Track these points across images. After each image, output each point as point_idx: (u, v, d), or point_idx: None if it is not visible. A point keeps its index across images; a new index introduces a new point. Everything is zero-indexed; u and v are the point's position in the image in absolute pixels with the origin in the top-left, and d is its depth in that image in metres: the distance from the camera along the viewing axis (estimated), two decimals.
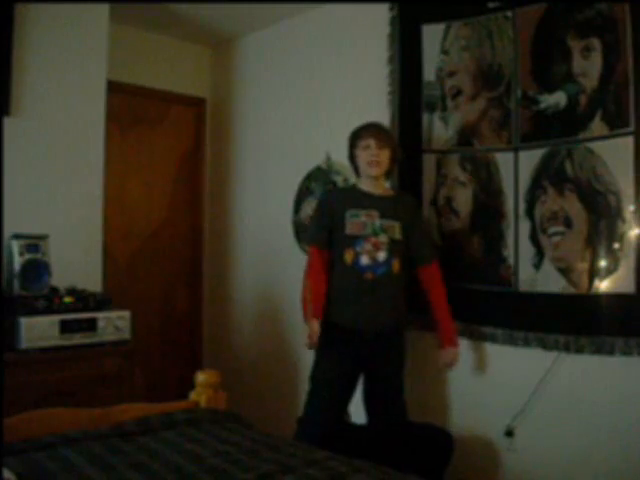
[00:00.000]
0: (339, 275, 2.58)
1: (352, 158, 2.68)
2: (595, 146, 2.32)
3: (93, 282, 3.00)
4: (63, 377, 2.54)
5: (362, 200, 2.59)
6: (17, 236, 2.66)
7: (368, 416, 2.69)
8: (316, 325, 2.51)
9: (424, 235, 2.71)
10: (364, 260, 2.52)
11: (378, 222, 2.56)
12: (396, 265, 2.57)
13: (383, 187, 2.68)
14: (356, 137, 2.63)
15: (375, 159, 2.56)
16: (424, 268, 2.66)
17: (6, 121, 2.70)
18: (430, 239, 2.77)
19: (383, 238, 2.54)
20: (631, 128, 2.22)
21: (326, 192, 3.01)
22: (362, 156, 2.59)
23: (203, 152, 4.16)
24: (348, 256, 2.54)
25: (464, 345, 2.70)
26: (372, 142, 2.56)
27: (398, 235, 2.58)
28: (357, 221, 2.56)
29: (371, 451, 2.32)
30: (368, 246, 2.53)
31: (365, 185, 2.64)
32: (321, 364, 2.62)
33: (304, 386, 3.42)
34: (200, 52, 4.14)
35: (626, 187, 2.23)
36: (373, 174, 2.59)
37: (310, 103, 3.49)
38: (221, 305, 4.01)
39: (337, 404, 2.63)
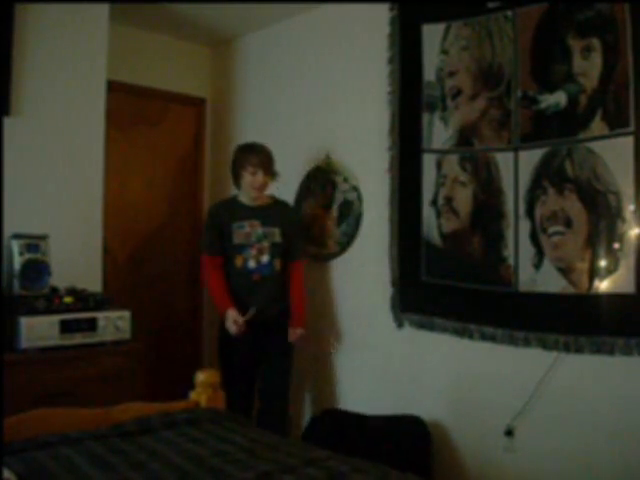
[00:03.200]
0: (232, 277, 3.01)
1: (235, 172, 3.03)
2: (595, 146, 2.32)
3: (93, 282, 3.00)
4: (63, 377, 2.54)
5: (245, 212, 3.02)
6: (17, 236, 2.66)
7: (257, 395, 3.09)
8: (233, 312, 2.89)
9: (297, 238, 3.16)
10: (251, 264, 2.98)
11: (260, 230, 3.00)
12: (277, 264, 3.03)
13: (263, 198, 3.07)
14: (244, 160, 2.97)
15: (261, 185, 2.98)
16: (292, 263, 3.12)
17: (6, 121, 2.70)
18: (302, 242, 3.22)
19: (265, 243, 3.00)
20: (631, 128, 2.22)
21: (214, 206, 3.21)
22: (248, 179, 2.97)
23: (203, 152, 4.16)
24: (238, 261, 2.99)
25: (464, 345, 2.70)
26: (260, 172, 2.95)
27: (278, 239, 3.03)
28: (242, 231, 2.99)
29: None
30: (254, 252, 2.98)
31: (246, 198, 3.05)
32: (226, 354, 3.07)
33: (302, 384, 3.43)
34: (200, 52, 4.14)
35: (626, 187, 2.23)
36: (255, 196, 3.02)
37: (310, 103, 3.49)
38: None
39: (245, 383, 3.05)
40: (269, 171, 3.00)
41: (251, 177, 2.95)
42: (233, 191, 3.98)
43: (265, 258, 2.99)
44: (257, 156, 2.97)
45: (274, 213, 3.06)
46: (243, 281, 2.99)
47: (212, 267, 3.02)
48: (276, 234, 3.03)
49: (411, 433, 2.70)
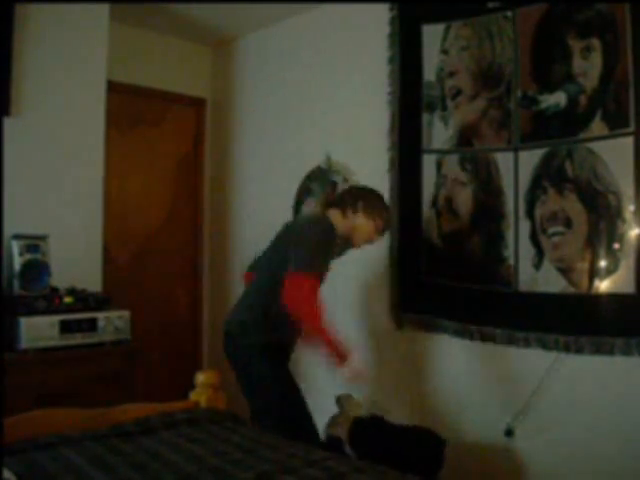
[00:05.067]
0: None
1: (355, 209, 2.52)
2: (595, 146, 2.32)
3: (93, 282, 3.00)
4: (63, 377, 2.54)
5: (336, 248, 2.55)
6: (17, 236, 2.66)
7: None
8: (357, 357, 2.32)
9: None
10: None
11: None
12: None
13: None
14: (380, 211, 2.54)
15: (372, 243, 2.58)
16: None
17: (6, 121, 2.70)
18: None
19: None
20: (631, 128, 2.22)
21: (332, 226, 2.52)
22: (370, 232, 2.53)
23: (203, 152, 4.16)
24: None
25: (464, 345, 2.71)
26: (381, 233, 2.57)
27: None
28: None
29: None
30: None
31: (340, 234, 2.51)
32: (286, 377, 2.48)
33: (303, 386, 3.42)
34: (200, 52, 4.14)
35: (626, 187, 2.23)
36: (355, 246, 2.60)
37: (310, 103, 3.49)
38: (221, 305, 4.01)
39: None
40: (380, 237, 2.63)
41: (374, 234, 2.55)
42: (233, 191, 4.00)
43: None
44: (388, 217, 2.61)
45: None
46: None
47: (315, 294, 2.31)
48: None
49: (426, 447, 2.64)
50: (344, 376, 2.32)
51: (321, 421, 2.60)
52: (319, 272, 2.35)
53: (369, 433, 2.60)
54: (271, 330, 2.43)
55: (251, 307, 2.48)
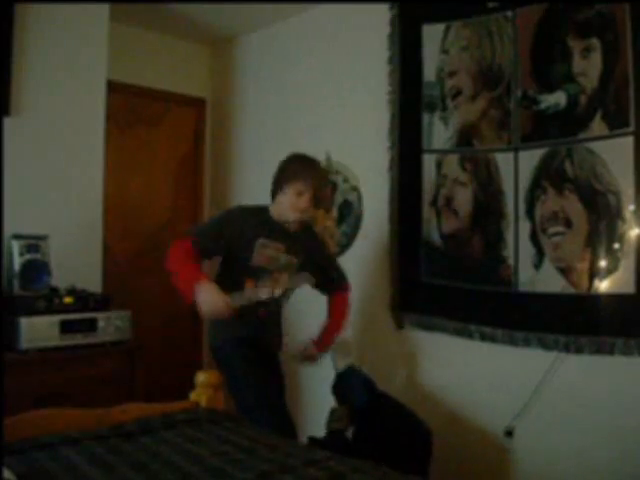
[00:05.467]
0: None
1: (277, 183, 2.52)
2: (595, 146, 2.32)
3: (93, 282, 3.00)
4: (63, 377, 2.55)
5: (273, 231, 2.48)
6: (17, 236, 2.67)
7: None
8: (211, 284, 2.30)
9: (332, 261, 2.75)
10: (262, 294, 2.43)
11: (283, 257, 2.48)
12: (284, 304, 2.60)
13: (297, 224, 2.52)
14: (293, 174, 2.46)
15: (303, 210, 2.45)
16: (334, 294, 2.68)
17: (6, 121, 2.70)
18: (337, 265, 2.74)
19: (284, 276, 2.48)
20: (631, 128, 2.22)
21: (241, 209, 2.63)
22: (290, 199, 2.45)
23: (203, 152, 4.16)
24: (248, 286, 2.42)
25: (464, 345, 2.71)
26: (307, 195, 2.43)
27: (294, 272, 2.53)
28: (265, 252, 2.44)
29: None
30: (269, 281, 2.44)
31: (276, 215, 2.51)
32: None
33: (303, 385, 3.43)
34: (200, 51, 4.14)
35: (626, 187, 2.23)
36: (292, 220, 2.48)
37: (310, 103, 3.49)
38: None
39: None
40: (318, 200, 2.49)
41: (295, 198, 2.44)
42: (233, 191, 4.00)
43: (277, 292, 2.47)
44: (312, 177, 2.44)
45: (299, 240, 2.55)
46: (244, 312, 2.40)
47: (186, 254, 2.39)
48: (294, 266, 2.53)
49: (413, 435, 2.67)
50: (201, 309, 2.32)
51: (314, 417, 2.60)
52: (195, 237, 2.45)
53: (367, 416, 2.62)
54: (231, 326, 2.43)
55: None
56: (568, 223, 2.39)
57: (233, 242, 2.44)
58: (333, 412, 2.70)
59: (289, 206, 2.46)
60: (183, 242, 2.44)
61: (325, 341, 2.64)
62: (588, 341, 2.31)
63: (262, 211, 2.55)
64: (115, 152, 3.52)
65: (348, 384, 2.70)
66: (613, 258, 2.27)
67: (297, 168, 2.48)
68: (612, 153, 2.28)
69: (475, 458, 2.69)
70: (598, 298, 2.33)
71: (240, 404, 2.43)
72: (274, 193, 2.54)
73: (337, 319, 2.67)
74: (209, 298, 2.27)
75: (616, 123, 2.26)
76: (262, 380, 2.46)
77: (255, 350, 2.48)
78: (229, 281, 2.42)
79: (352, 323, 3.21)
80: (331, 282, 2.67)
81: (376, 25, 3.04)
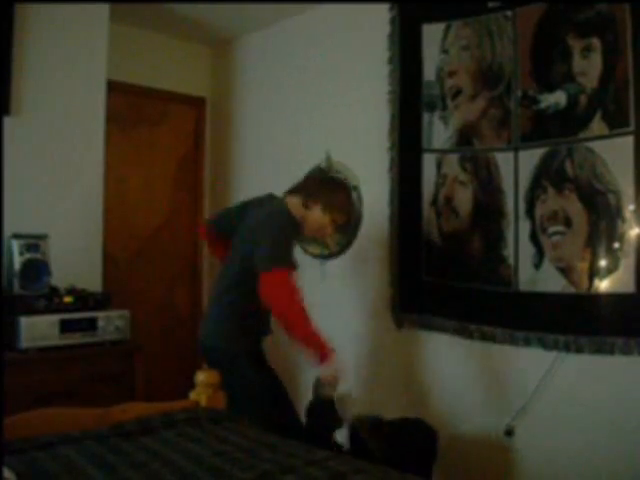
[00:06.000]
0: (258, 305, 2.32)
1: (312, 201, 2.49)
2: (595, 146, 2.32)
3: (93, 282, 3.00)
4: (63, 377, 2.55)
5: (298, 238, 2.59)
6: (17, 236, 2.67)
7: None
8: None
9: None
10: None
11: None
12: None
13: None
14: (335, 202, 2.50)
15: (328, 235, 2.58)
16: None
17: (6, 121, 2.70)
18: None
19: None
20: (631, 128, 2.22)
21: (290, 215, 2.48)
22: (324, 222, 2.49)
23: (203, 152, 4.16)
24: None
25: (464, 345, 2.71)
26: (338, 224, 2.55)
27: None
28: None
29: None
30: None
31: (302, 221, 2.49)
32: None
33: (303, 385, 3.42)
34: (200, 52, 4.14)
35: (626, 187, 2.23)
36: (310, 235, 2.61)
37: (310, 103, 3.49)
38: None
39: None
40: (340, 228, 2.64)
41: (329, 223, 2.51)
42: (233, 191, 4.00)
43: None
44: (350, 211, 2.63)
45: None
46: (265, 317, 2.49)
47: (295, 288, 2.29)
48: None
49: (418, 437, 2.64)
50: (322, 376, 2.34)
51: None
52: (292, 265, 2.33)
53: (366, 434, 2.59)
54: (249, 334, 2.45)
55: (226, 314, 2.46)
56: (568, 223, 2.39)
57: None
58: (318, 380, 2.65)
59: (319, 228, 2.53)
60: (285, 276, 2.27)
61: None
62: (588, 341, 2.31)
63: (290, 214, 2.45)
64: (115, 152, 3.52)
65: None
66: (613, 258, 2.27)
67: (345, 199, 2.59)
68: (612, 153, 2.28)
69: (475, 458, 2.69)
70: (598, 298, 2.33)
71: (252, 408, 2.38)
72: (307, 199, 2.49)
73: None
74: (334, 375, 2.34)
75: (616, 123, 2.26)
76: (274, 384, 2.50)
77: (260, 356, 2.54)
78: (252, 295, 2.32)
79: (352, 323, 3.22)
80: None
81: (376, 25, 3.04)
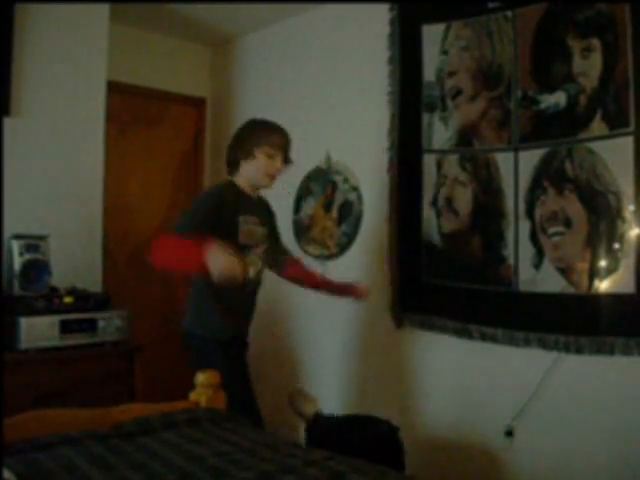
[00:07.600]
0: (223, 291, 2.16)
1: (243, 150, 2.38)
2: (595, 146, 2.32)
3: (93, 282, 3.00)
4: (63, 377, 2.55)
5: (247, 204, 2.40)
6: (17, 236, 2.67)
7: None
8: (219, 245, 1.97)
9: (280, 235, 2.69)
10: (251, 271, 2.34)
11: (260, 229, 2.42)
12: (262, 274, 2.49)
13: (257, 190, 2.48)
14: (263, 138, 2.38)
15: (277, 174, 2.40)
16: (289, 260, 2.67)
17: (6, 121, 2.70)
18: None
19: (262, 247, 2.43)
20: (631, 128, 2.22)
21: (219, 188, 2.43)
22: (263, 162, 2.37)
23: (203, 152, 4.16)
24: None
25: (464, 345, 2.70)
26: (279, 157, 2.40)
27: (267, 242, 2.48)
28: (246, 228, 2.35)
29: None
30: (254, 257, 2.37)
31: (247, 186, 2.42)
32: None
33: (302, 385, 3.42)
34: (200, 52, 4.14)
35: (626, 187, 2.23)
36: (265, 185, 2.43)
37: (310, 103, 3.49)
38: None
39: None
40: (287, 158, 2.45)
41: (268, 161, 2.37)
42: None
43: (260, 265, 2.43)
44: (280, 136, 2.40)
45: (262, 207, 2.54)
46: (236, 295, 2.33)
47: (176, 242, 2.11)
48: (266, 235, 2.49)
49: (367, 433, 2.57)
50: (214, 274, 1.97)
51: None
52: (186, 230, 2.13)
53: (323, 427, 2.56)
54: (218, 323, 2.38)
55: (195, 304, 2.45)
56: (568, 223, 2.39)
57: (217, 227, 2.20)
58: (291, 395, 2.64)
59: (262, 171, 2.38)
60: (167, 239, 2.16)
61: (327, 284, 2.69)
62: (588, 341, 2.31)
63: (231, 184, 2.43)
64: (115, 152, 3.52)
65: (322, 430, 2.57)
66: (613, 258, 2.27)
67: (263, 132, 2.40)
68: (612, 153, 2.28)
69: (475, 458, 2.69)
70: (598, 298, 2.33)
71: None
72: (236, 162, 2.41)
73: (312, 273, 2.70)
74: (220, 261, 1.94)
75: (616, 123, 2.26)
76: (243, 378, 2.44)
77: (236, 347, 2.44)
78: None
79: (352, 323, 3.22)
80: (284, 250, 2.68)
81: (376, 25, 3.04)
